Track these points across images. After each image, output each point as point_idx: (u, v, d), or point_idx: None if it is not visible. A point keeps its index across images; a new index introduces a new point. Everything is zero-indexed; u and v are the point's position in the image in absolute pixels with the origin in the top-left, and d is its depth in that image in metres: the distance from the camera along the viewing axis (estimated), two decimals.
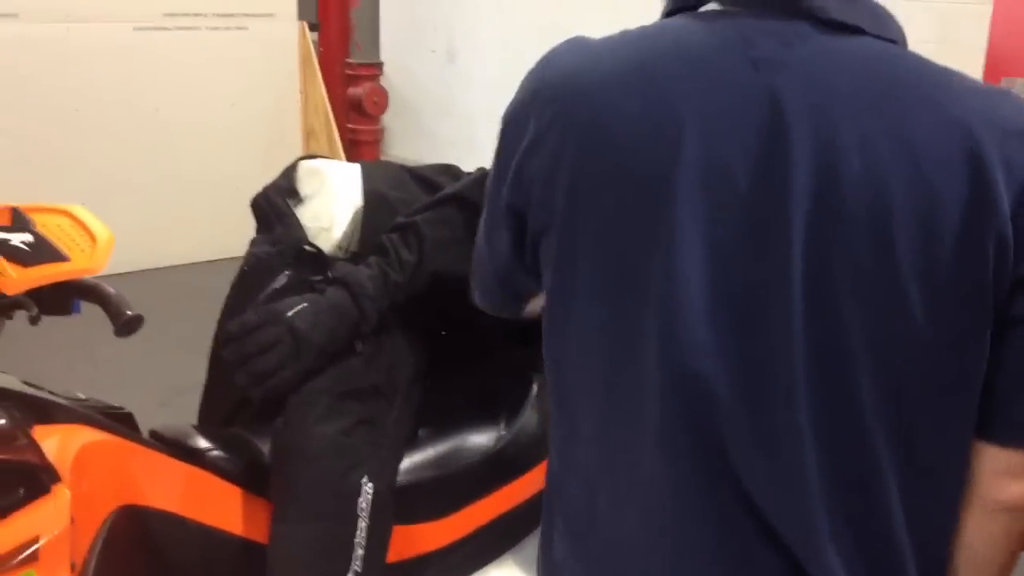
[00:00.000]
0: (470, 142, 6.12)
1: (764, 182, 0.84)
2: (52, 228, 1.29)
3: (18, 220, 1.28)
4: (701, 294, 0.85)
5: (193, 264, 5.06)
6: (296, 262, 1.91)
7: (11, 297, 1.29)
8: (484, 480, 1.85)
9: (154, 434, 1.72)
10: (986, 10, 2.14)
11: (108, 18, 4.80)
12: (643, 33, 0.94)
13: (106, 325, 1.42)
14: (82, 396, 1.63)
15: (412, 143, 6.34)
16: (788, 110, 0.83)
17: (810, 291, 0.82)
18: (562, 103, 0.93)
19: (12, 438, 1.34)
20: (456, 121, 6.38)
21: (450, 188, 1.93)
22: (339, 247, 1.95)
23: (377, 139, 5.70)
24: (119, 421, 1.63)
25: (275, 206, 2.01)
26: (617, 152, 0.89)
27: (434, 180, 2.05)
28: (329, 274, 1.82)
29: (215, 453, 1.73)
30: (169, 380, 3.45)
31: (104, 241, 1.30)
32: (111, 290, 1.36)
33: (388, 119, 5.87)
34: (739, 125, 0.85)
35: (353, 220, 1.97)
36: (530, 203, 0.98)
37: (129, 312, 1.34)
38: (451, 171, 2.10)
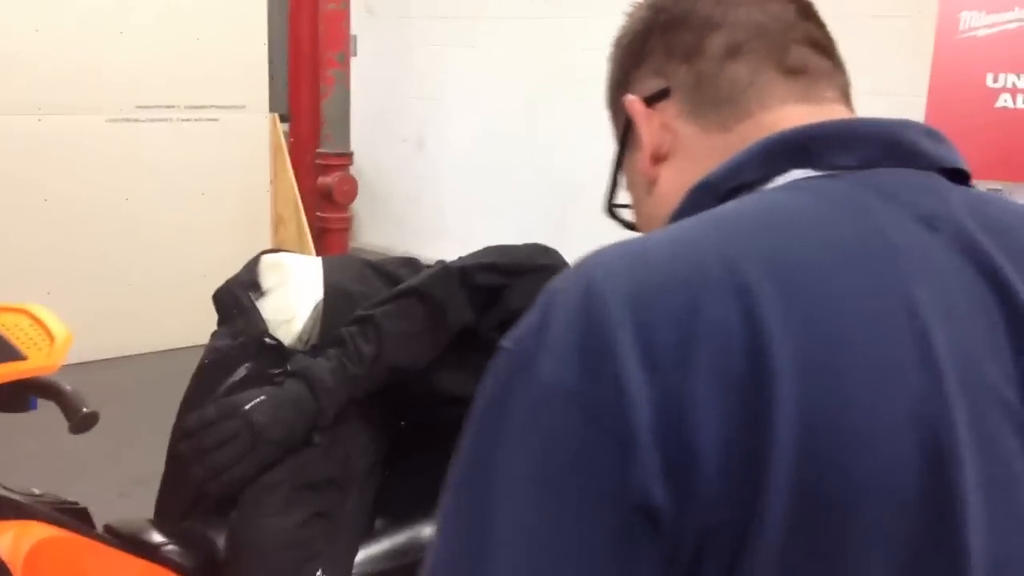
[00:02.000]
0: (439, 230, 6.20)
1: None
2: (10, 327, 1.32)
3: None
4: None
5: (162, 352, 5.05)
6: (257, 355, 1.93)
7: None
8: None
9: (109, 529, 1.71)
10: (920, 102, 2.23)
11: (80, 110, 4.86)
12: (758, 227, 0.67)
13: (59, 421, 1.44)
14: (36, 491, 1.63)
15: (382, 231, 6.41)
16: (1000, 270, 0.68)
17: None
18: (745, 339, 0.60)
19: None
20: (425, 209, 6.47)
21: (409, 281, 1.97)
22: (300, 340, 1.98)
23: (346, 227, 5.75)
24: (74, 516, 1.63)
25: (237, 299, 2.04)
26: (862, 409, 0.60)
27: (395, 273, 2.09)
28: (288, 367, 1.84)
29: (170, 547, 1.73)
30: (130, 470, 3.43)
31: (62, 340, 1.33)
32: (67, 387, 1.38)
33: (358, 207, 5.94)
34: (972, 313, 0.66)
35: (314, 313, 1.99)
36: (695, 497, 0.58)
37: (85, 409, 1.36)
38: (412, 264, 2.14)
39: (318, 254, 5.12)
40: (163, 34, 5.09)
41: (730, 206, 0.71)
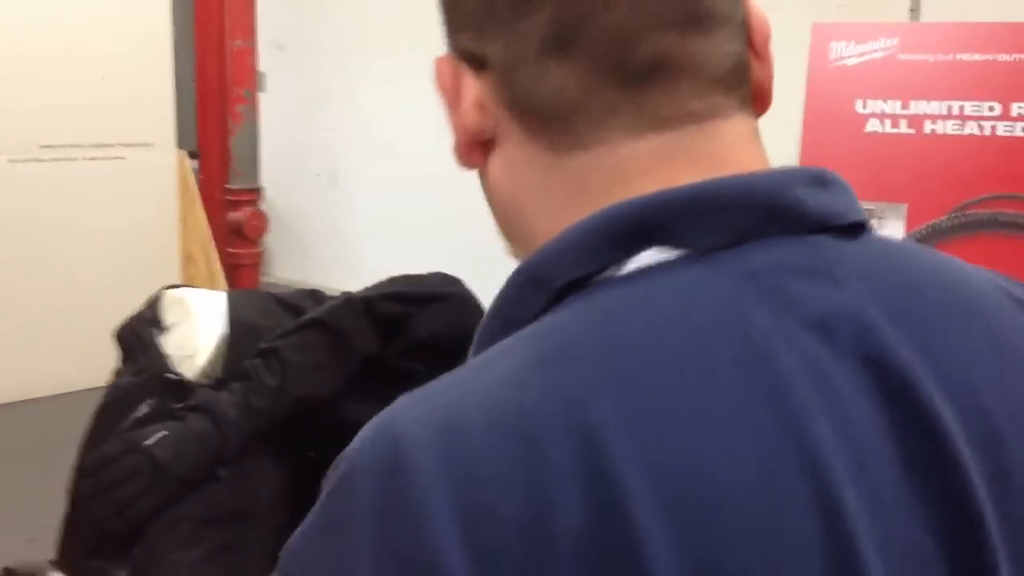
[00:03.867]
0: (352, 263, 6.20)
1: (953, 521, 0.52)
2: None
3: None
4: None
5: (69, 394, 4.96)
6: (159, 391, 1.93)
7: None
8: None
9: (9, 572, 1.69)
10: (794, 128, 2.35)
11: None
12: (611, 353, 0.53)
13: None
14: None
15: (295, 265, 6.39)
16: (914, 385, 0.54)
17: None
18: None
19: None
20: (339, 242, 6.47)
21: (313, 313, 1.98)
22: (204, 374, 1.97)
23: (257, 262, 5.72)
24: None
25: (138, 336, 2.03)
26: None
27: (299, 305, 2.10)
28: (190, 401, 1.84)
29: None
30: (37, 514, 3.36)
31: None
32: None
33: (270, 242, 5.92)
34: (884, 449, 0.53)
35: (218, 347, 2.00)
36: None
37: None
38: (315, 296, 2.16)
39: (230, 289, 5.09)
40: (67, 73, 5.01)
41: (560, 326, 0.55)
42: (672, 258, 0.56)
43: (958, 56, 2.21)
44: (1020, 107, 2.12)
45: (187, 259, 5.50)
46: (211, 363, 1.99)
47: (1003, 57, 2.18)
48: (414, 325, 1.97)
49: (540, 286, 0.58)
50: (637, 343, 0.52)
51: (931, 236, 2.29)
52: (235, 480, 1.79)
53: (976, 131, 2.22)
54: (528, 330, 0.56)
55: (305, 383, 1.87)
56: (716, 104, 0.59)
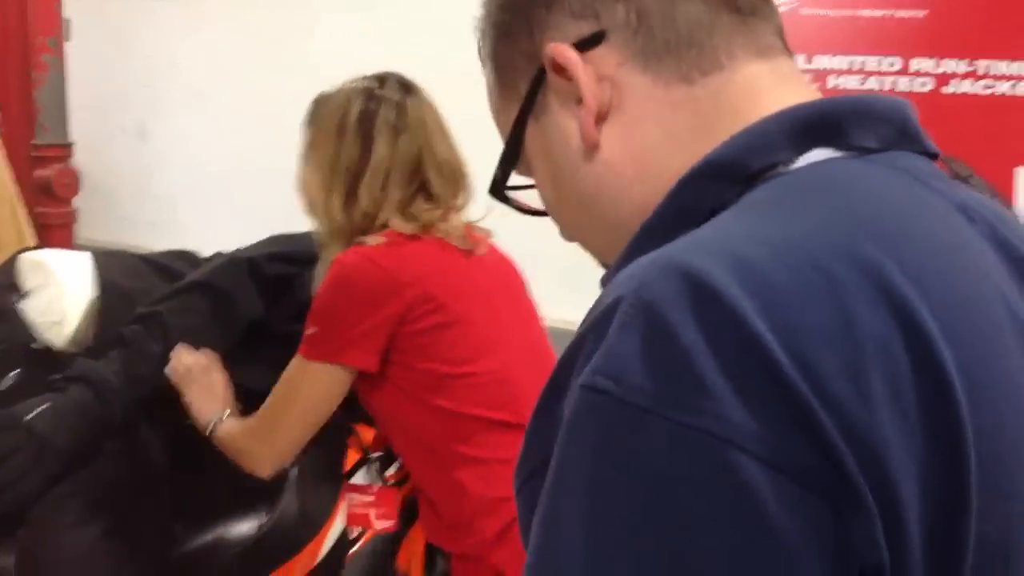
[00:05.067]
0: (169, 223, 5.93)
1: None
2: None
3: None
4: None
5: None
6: (25, 361, 1.81)
7: None
8: (249, 570, 1.81)
9: None
10: None
11: None
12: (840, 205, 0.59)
13: None
14: None
15: (108, 225, 6.06)
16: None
17: None
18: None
19: None
20: (154, 202, 6.17)
21: (194, 275, 1.89)
22: (73, 342, 1.86)
23: (69, 222, 5.39)
24: None
25: None
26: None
27: (170, 267, 2.01)
28: (69, 372, 1.72)
29: None
30: None
31: None
32: None
33: (81, 202, 5.58)
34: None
35: (87, 313, 1.88)
36: (908, 563, 0.51)
37: None
38: (187, 257, 2.06)
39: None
40: None
41: (777, 190, 0.61)
42: (838, 156, 0.64)
43: (859, 11, 2.27)
44: (919, 63, 2.21)
45: None
46: (80, 329, 1.87)
47: (902, 13, 2.26)
48: (298, 287, 1.91)
49: (733, 172, 0.62)
50: (864, 195, 0.60)
51: None
52: (124, 452, 1.70)
53: (876, 86, 2.31)
54: (741, 203, 0.61)
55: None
56: (784, 47, 0.72)
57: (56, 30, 5.25)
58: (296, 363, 1.64)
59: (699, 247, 0.55)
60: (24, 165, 5.24)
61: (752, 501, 0.46)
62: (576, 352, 0.54)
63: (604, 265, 0.72)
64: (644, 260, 0.54)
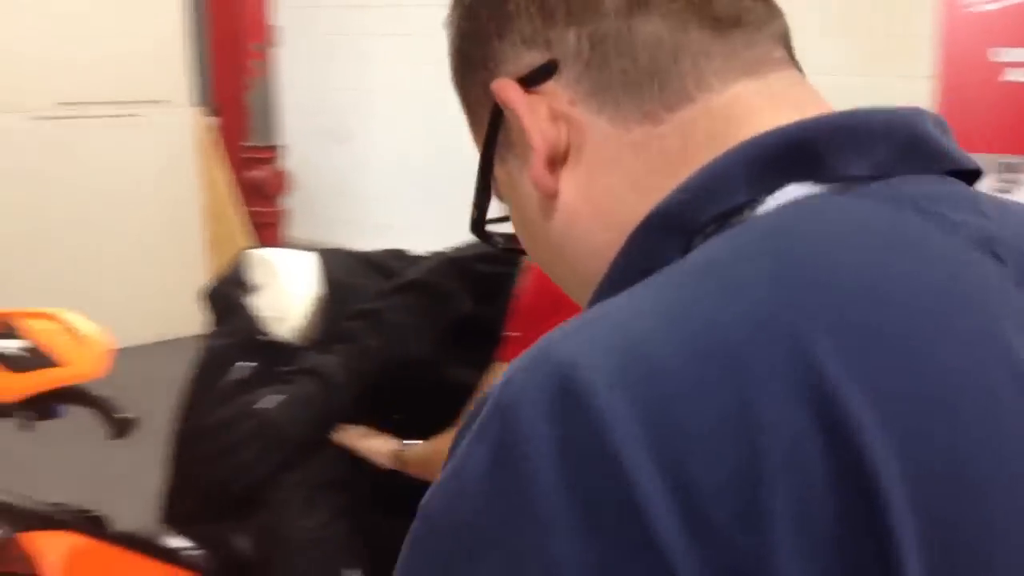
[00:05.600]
0: (371, 223, 6.16)
1: None
2: (44, 333, 1.28)
3: (4, 326, 1.27)
4: None
5: None
6: (256, 353, 1.92)
7: (3, 405, 1.27)
8: None
9: (124, 536, 1.69)
10: (923, 85, 2.28)
11: (2, 108, 4.71)
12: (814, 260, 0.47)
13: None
14: (55, 501, 1.60)
15: (310, 225, 6.34)
16: None
17: None
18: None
19: (5, 548, 1.32)
20: (356, 202, 6.43)
21: (410, 274, 1.96)
22: (298, 335, 1.96)
23: (278, 221, 5.68)
24: (92, 524, 1.61)
25: (227, 298, 2.01)
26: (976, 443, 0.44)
27: (387, 265, 2.08)
28: (298, 365, 1.82)
29: (191, 551, 1.71)
30: (113, 470, 3.35)
31: (100, 346, 1.30)
32: (101, 393, 1.35)
33: (290, 201, 5.87)
34: None
35: (312, 308, 1.98)
36: None
37: (122, 415, 1.34)
38: (402, 256, 2.14)
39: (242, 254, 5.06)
40: (83, 31, 4.94)
41: (714, 250, 0.49)
42: (818, 192, 0.51)
43: None
44: None
45: (211, 217, 5.45)
46: (304, 325, 1.97)
47: None
48: (509, 287, 1.96)
49: (677, 225, 0.52)
50: (816, 252, 0.47)
51: None
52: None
53: None
54: (672, 266, 0.50)
55: (406, 345, 1.86)
56: (785, 56, 0.59)
57: (266, 36, 5.54)
58: (496, 367, 1.68)
59: (588, 328, 0.45)
60: (236, 167, 5.56)
61: None
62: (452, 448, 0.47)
63: None
64: (525, 355, 0.45)
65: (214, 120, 5.58)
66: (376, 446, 1.77)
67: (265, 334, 1.94)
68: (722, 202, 0.51)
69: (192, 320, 5.15)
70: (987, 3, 2.13)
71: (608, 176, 0.57)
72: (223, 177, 5.47)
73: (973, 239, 0.50)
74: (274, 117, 5.63)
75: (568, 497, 0.40)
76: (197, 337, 2.09)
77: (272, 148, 5.63)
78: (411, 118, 6.16)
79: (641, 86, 0.56)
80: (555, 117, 0.58)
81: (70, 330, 1.32)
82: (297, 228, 6.04)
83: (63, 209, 4.94)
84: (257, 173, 5.53)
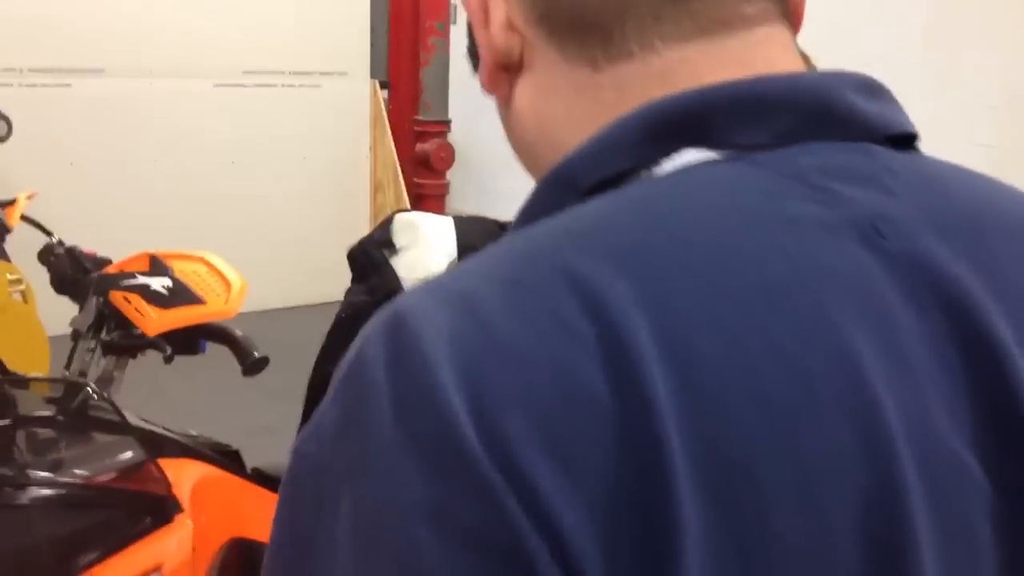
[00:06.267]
0: (523, 197, 6.22)
1: (998, 435, 0.48)
2: (189, 274, 1.38)
3: (157, 266, 1.37)
4: None
5: (262, 312, 5.18)
6: None
7: (149, 338, 1.37)
8: None
9: (256, 471, 1.79)
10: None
11: (189, 74, 4.98)
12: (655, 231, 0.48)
13: (176, 367, 1.50)
14: (193, 433, 1.71)
15: (474, 197, 6.47)
16: (964, 295, 0.50)
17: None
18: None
19: (143, 470, 1.42)
20: (517, 175, 6.49)
21: None
22: None
23: (442, 193, 5.82)
24: (227, 458, 1.71)
25: (371, 256, 2.09)
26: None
27: None
28: None
29: None
30: (240, 422, 3.54)
31: (238, 287, 1.39)
32: (239, 333, 1.44)
33: (451, 174, 6.00)
34: (925, 361, 0.48)
35: (448, 271, 2.05)
36: None
37: (256, 354, 1.42)
38: None
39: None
40: (266, 2, 5.18)
41: (590, 212, 0.50)
42: (713, 158, 0.51)
43: None
44: None
45: (377, 188, 5.64)
46: None
47: None
48: None
49: (568, 185, 0.53)
50: (665, 220, 0.48)
51: None
52: None
53: None
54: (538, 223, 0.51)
55: None
56: (765, 9, 0.55)
57: (444, 14, 5.67)
58: None
59: (437, 283, 0.49)
60: (407, 139, 5.72)
61: (399, 554, 0.42)
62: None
63: None
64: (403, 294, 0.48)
65: (388, 93, 5.75)
66: None
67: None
68: (612, 164, 0.52)
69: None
70: None
71: (552, 103, 0.58)
72: (392, 149, 5.64)
73: (855, 217, 0.49)
74: (446, 93, 5.76)
75: (403, 445, 0.42)
76: None
77: (443, 123, 5.76)
78: None
79: (586, 33, 0.55)
80: (511, 27, 0.57)
81: (214, 271, 1.42)
82: (460, 201, 6.17)
83: (240, 172, 5.20)
84: (426, 146, 5.67)
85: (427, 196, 5.68)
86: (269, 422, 3.39)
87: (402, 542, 0.42)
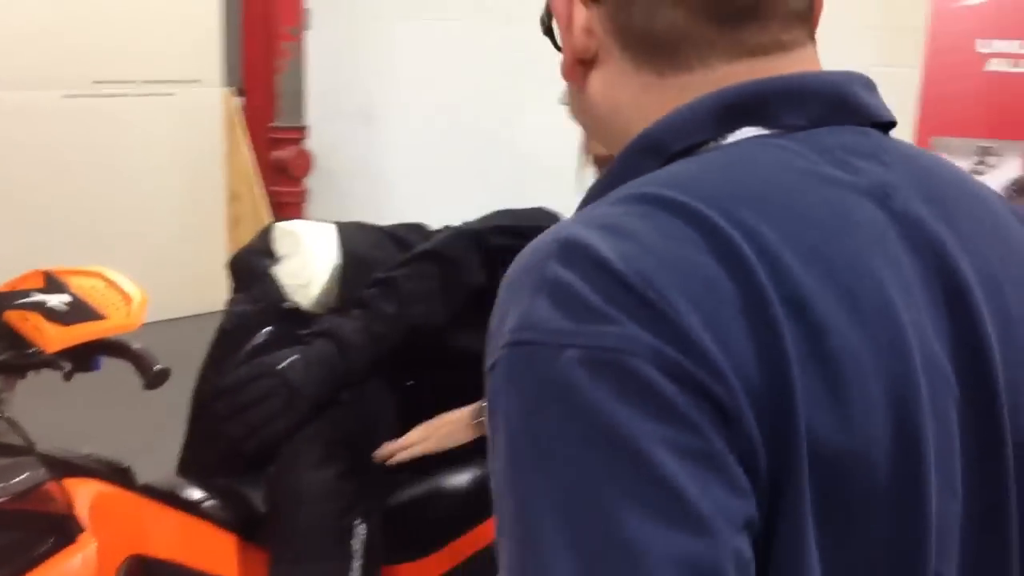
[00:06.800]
0: (388, 203, 6.23)
1: (965, 353, 0.67)
2: (87, 289, 1.38)
3: (53, 283, 1.36)
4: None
5: None
6: (277, 319, 2.01)
7: (44, 356, 1.36)
8: (463, 519, 1.95)
9: (148, 487, 1.78)
10: (914, 74, 2.37)
11: (36, 86, 4.82)
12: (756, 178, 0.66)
13: (44, 380, 1.50)
14: (85, 451, 1.70)
15: (333, 205, 6.43)
16: (942, 244, 0.68)
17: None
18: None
19: (44, 491, 1.41)
20: (376, 183, 6.51)
21: (425, 244, 2.05)
22: (318, 304, 2.05)
23: (300, 201, 5.79)
24: (119, 474, 1.70)
25: (252, 266, 2.11)
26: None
27: (405, 238, 2.17)
28: (317, 327, 1.91)
29: (209, 503, 1.81)
30: (123, 438, 3.46)
31: (139, 299, 1.39)
32: (138, 346, 1.45)
33: (310, 181, 5.97)
34: (920, 291, 0.66)
35: (331, 277, 2.07)
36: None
37: (157, 366, 1.43)
38: (419, 229, 2.23)
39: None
40: (118, 10, 5.05)
41: (683, 169, 0.67)
42: (765, 134, 0.68)
43: None
44: None
45: (232, 196, 5.57)
46: (325, 292, 2.06)
47: None
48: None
49: (657, 150, 0.69)
50: (752, 171, 0.65)
51: None
52: (356, 403, 1.88)
53: None
54: (657, 171, 0.67)
55: (420, 311, 1.95)
56: (797, 36, 0.71)
57: (298, 20, 5.64)
58: None
59: (579, 218, 0.64)
60: (263, 146, 5.67)
61: (663, 398, 0.56)
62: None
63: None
64: (545, 233, 0.64)
65: (242, 100, 5.68)
66: (451, 429, 1.85)
67: (287, 302, 2.04)
68: (690, 136, 0.69)
69: (211, 297, 5.28)
70: None
71: (620, 94, 0.73)
72: (247, 156, 5.58)
73: (867, 184, 0.67)
74: (302, 99, 5.73)
75: (607, 303, 0.58)
76: (215, 314, 2.19)
77: (299, 129, 5.73)
78: (431, 100, 6.24)
79: (654, 50, 0.71)
80: (590, 32, 0.72)
81: (112, 285, 1.42)
82: (319, 208, 6.14)
83: (92, 184, 5.06)
84: (282, 153, 5.63)
85: (285, 204, 5.64)
86: (148, 438, 3.33)
87: (632, 376, 0.56)
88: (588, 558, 0.54)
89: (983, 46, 2.27)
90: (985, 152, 2.15)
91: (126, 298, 1.40)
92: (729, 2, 0.69)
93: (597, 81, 0.74)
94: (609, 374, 0.56)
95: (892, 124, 0.74)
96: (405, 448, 1.86)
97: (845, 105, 0.70)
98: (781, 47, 0.70)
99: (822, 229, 0.64)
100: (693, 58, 0.70)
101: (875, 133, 0.71)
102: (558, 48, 0.78)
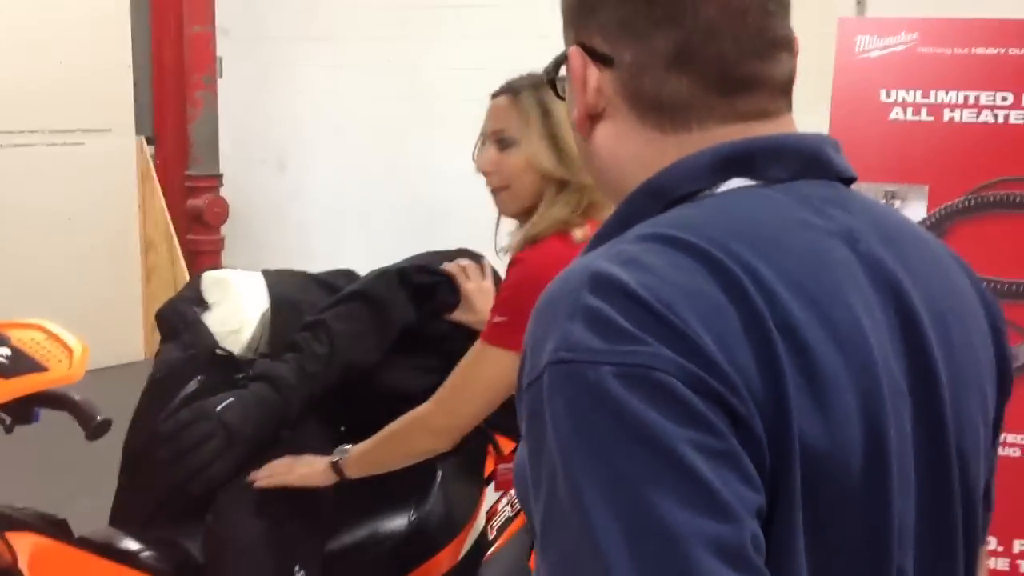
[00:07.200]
0: (304, 250, 6.22)
1: (917, 372, 0.80)
2: (27, 342, 1.37)
3: None
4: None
5: None
6: (208, 367, 2.01)
7: None
8: (398, 562, 1.97)
9: (84, 540, 1.77)
10: (822, 121, 2.49)
11: None
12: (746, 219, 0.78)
13: None
14: (19, 505, 1.68)
15: (250, 253, 6.39)
16: (898, 281, 0.81)
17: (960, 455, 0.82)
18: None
19: None
20: (291, 230, 6.49)
21: (352, 286, 2.08)
22: (249, 349, 2.06)
23: (218, 249, 5.74)
24: (56, 527, 1.69)
25: (181, 315, 2.11)
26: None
27: (334, 283, 2.20)
28: (251, 371, 1.93)
29: (146, 554, 1.79)
30: (47, 488, 3.38)
31: (79, 351, 1.39)
32: (78, 397, 1.44)
33: (226, 230, 5.93)
34: (881, 319, 0.78)
35: (261, 323, 2.09)
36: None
37: (99, 417, 1.43)
38: (348, 274, 2.26)
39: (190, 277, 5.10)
40: (25, 58, 4.98)
41: (684, 214, 0.79)
42: (752, 184, 0.80)
43: (974, 50, 2.40)
44: None
45: (148, 246, 5.50)
46: (255, 338, 2.07)
47: (1014, 51, 2.38)
48: (442, 290, 2.09)
49: (660, 195, 0.81)
50: (746, 215, 0.77)
51: (949, 216, 2.47)
52: (296, 444, 1.89)
53: (991, 119, 2.42)
54: (656, 218, 0.79)
55: (351, 350, 1.97)
56: (780, 105, 0.85)
57: (210, 68, 5.62)
58: (477, 346, 1.75)
59: (601, 254, 0.75)
60: (177, 195, 5.62)
61: (688, 406, 0.66)
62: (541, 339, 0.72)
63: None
64: (571, 267, 0.75)
65: (155, 149, 5.64)
66: (307, 471, 1.84)
67: (220, 348, 2.04)
68: (690, 184, 0.80)
69: (128, 348, 5.20)
70: (875, 50, 2.38)
71: (624, 146, 0.85)
72: (162, 205, 5.53)
73: (838, 229, 0.80)
74: (216, 147, 5.70)
75: (634, 326, 0.68)
76: (132, 365, 2.17)
77: (214, 177, 5.70)
78: (344, 149, 6.26)
79: (659, 112, 0.82)
80: (601, 91, 0.84)
81: (52, 337, 1.41)
82: (236, 256, 6.09)
83: (1, 236, 4.95)
84: (198, 202, 5.59)
85: (202, 252, 5.58)
86: (72, 489, 3.26)
87: (660, 389, 0.66)
88: (634, 537, 0.64)
89: (886, 96, 2.42)
90: (892, 196, 2.29)
91: (67, 350, 1.40)
92: (730, 77, 0.81)
93: (603, 134, 0.86)
94: (641, 386, 0.66)
95: (853, 179, 0.87)
96: (267, 478, 1.84)
97: (818, 162, 0.83)
98: (767, 114, 0.83)
99: (805, 265, 0.75)
100: (693, 120, 0.82)
101: (841, 186, 0.85)
102: (561, 98, 0.92)
